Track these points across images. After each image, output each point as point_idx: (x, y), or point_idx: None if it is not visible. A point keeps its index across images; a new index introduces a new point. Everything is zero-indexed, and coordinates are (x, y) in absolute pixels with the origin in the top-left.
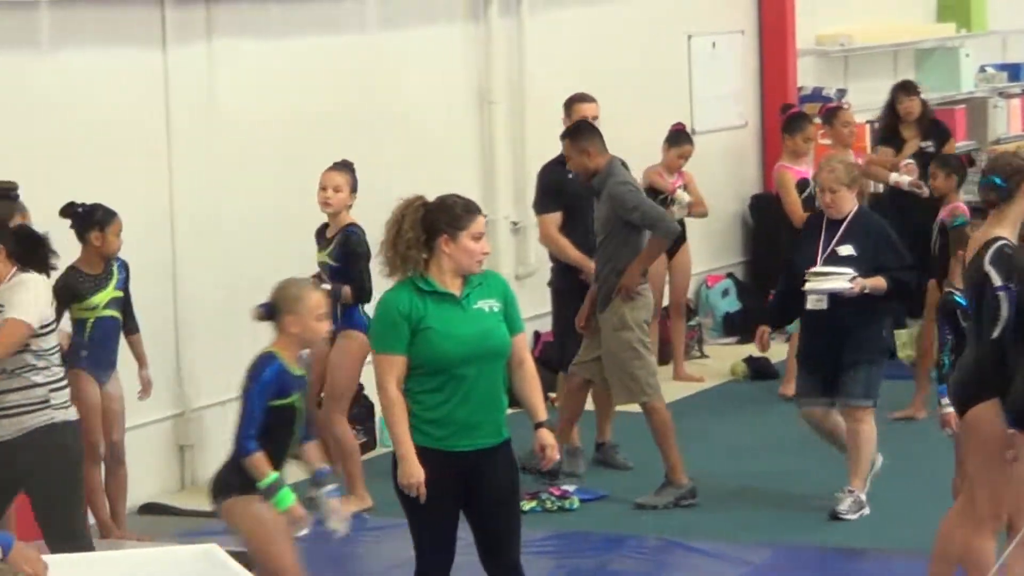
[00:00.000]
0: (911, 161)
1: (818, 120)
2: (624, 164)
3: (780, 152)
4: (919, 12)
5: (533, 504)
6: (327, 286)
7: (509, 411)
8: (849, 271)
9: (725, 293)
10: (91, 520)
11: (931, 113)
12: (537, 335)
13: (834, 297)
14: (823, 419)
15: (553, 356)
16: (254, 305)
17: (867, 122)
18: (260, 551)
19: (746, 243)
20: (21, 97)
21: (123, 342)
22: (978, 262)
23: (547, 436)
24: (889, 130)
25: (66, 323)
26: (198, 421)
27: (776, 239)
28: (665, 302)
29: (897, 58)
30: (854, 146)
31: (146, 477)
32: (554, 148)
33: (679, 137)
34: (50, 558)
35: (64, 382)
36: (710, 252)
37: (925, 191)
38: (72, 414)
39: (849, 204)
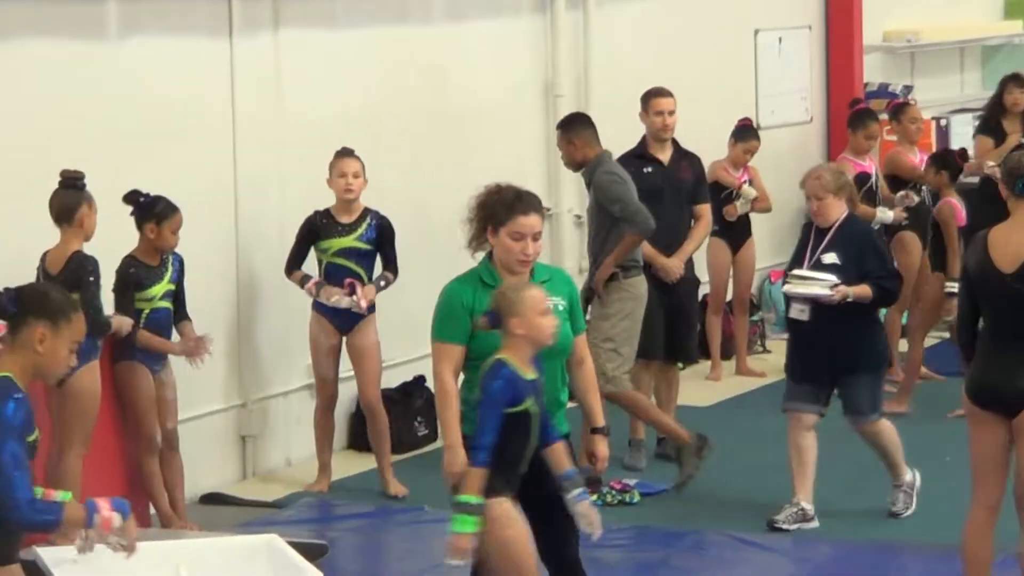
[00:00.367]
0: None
1: (884, 116)
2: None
3: (845, 147)
4: (986, 9)
5: (593, 498)
6: (357, 297)
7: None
8: (831, 277)
9: None
10: (152, 511)
11: None
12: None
13: (821, 308)
14: (804, 427)
15: None
16: (479, 315)
17: (932, 119)
18: (497, 551)
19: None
20: (88, 88)
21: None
22: None
23: (601, 446)
24: (992, 120)
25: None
26: (260, 411)
27: None
28: (728, 297)
29: (964, 55)
30: (920, 143)
31: (208, 467)
32: (618, 141)
33: (745, 132)
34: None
35: None
36: (774, 247)
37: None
38: None
39: (836, 212)
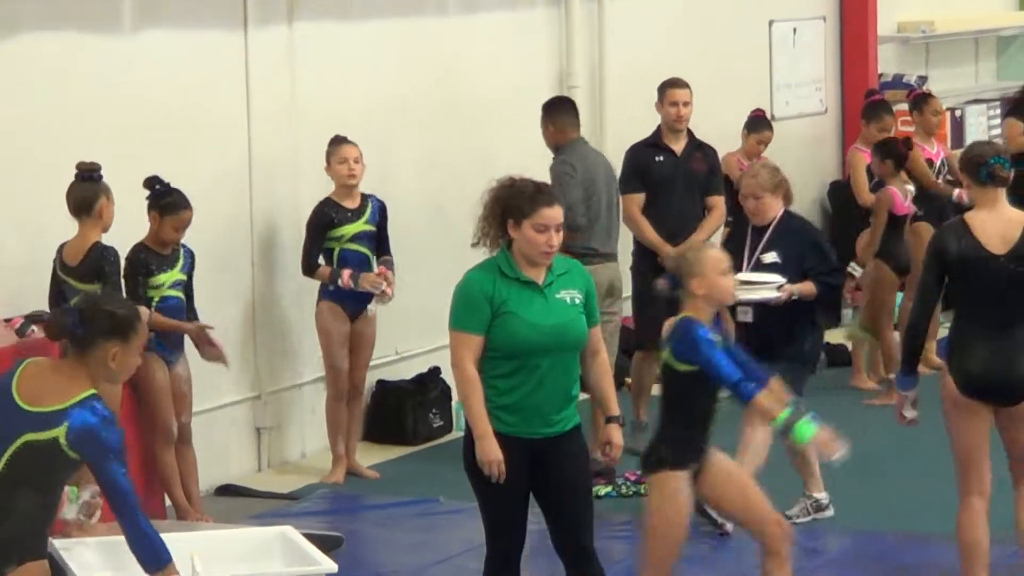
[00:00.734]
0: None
1: (901, 107)
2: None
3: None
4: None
5: (609, 489)
6: (380, 287)
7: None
8: (776, 279)
9: None
10: (167, 503)
11: None
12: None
13: (761, 307)
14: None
15: (630, 338)
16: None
17: (947, 109)
18: (654, 530)
19: (824, 229)
20: (103, 80)
21: None
22: None
23: (615, 434)
24: None
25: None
26: (275, 403)
27: (853, 225)
28: None
29: (978, 45)
30: (937, 135)
31: (223, 459)
32: (633, 132)
33: (758, 123)
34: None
35: None
36: None
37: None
38: None
39: (773, 210)
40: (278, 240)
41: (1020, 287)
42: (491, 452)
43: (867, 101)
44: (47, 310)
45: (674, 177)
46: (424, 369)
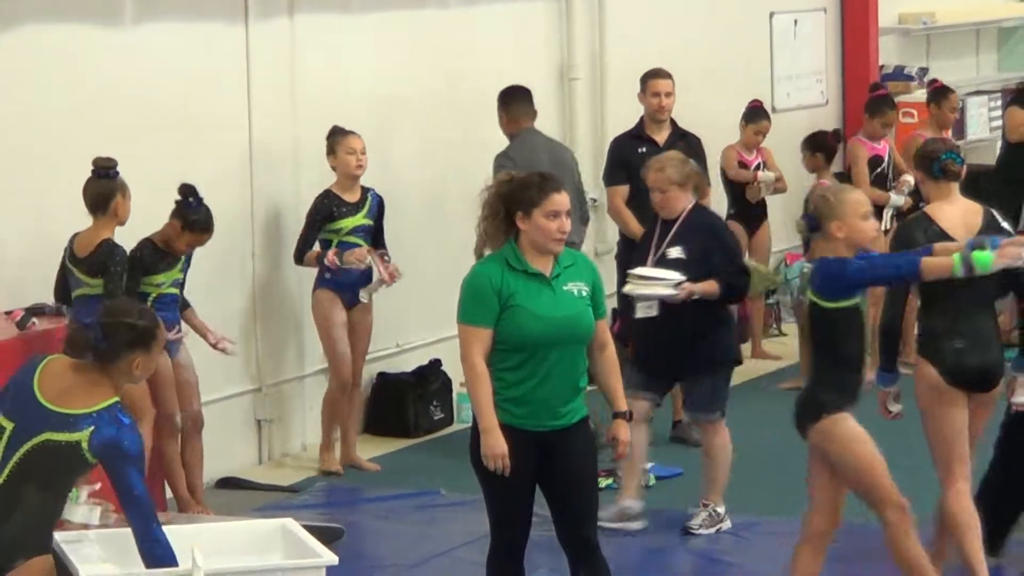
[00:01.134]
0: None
1: (902, 98)
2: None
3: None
4: None
5: (609, 481)
6: (366, 262)
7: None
8: (675, 276)
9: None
10: (168, 494)
11: None
12: (615, 312)
13: (669, 305)
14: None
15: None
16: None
17: None
18: (852, 468)
19: None
20: (103, 74)
21: None
22: None
23: (622, 430)
24: None
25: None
26: (276, 396)
27: None
28: None
29: (979, 37)
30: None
31: (224, 452)
32: (634, 123)
33: (755, 113)
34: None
35: None
36: (790, 230)
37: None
38: None
39: (681, 204)
40: (279, 233)
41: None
42: (496, 446)
43: (871, 95)
44: (48, 303)
45: None
46: (425, 361)
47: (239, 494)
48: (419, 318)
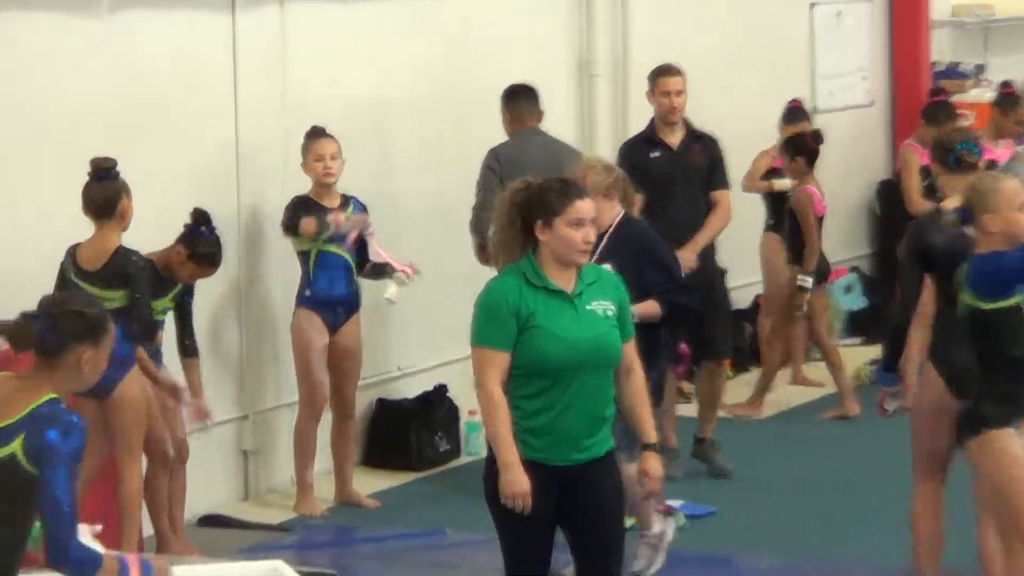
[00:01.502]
0: None
1: (957, 97)
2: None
3: (911, 133)
4: None
5: (634, 521)
6: (389, 262)
7: None
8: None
9: (848, 289)
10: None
11: None
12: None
13: None
14: None
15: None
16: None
17: None
18: (1004, 491)
19: (873, 234)
20: (77, 66)
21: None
22: None
23: (654, 464)
24: None
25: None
26: (263, 424)
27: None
28: None
29: None
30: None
31: (206, 485)
32: None
33: (796, 114)
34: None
35: None
36: (832, 244)
37: None
38: None
39: (608, 215)
40: (263, 246)
41: None
42: (517, 483)
43: (930, 100)
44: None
45: (672, 173)
46: (429, 387)
47: (224, 533)
48: (422, 339)
